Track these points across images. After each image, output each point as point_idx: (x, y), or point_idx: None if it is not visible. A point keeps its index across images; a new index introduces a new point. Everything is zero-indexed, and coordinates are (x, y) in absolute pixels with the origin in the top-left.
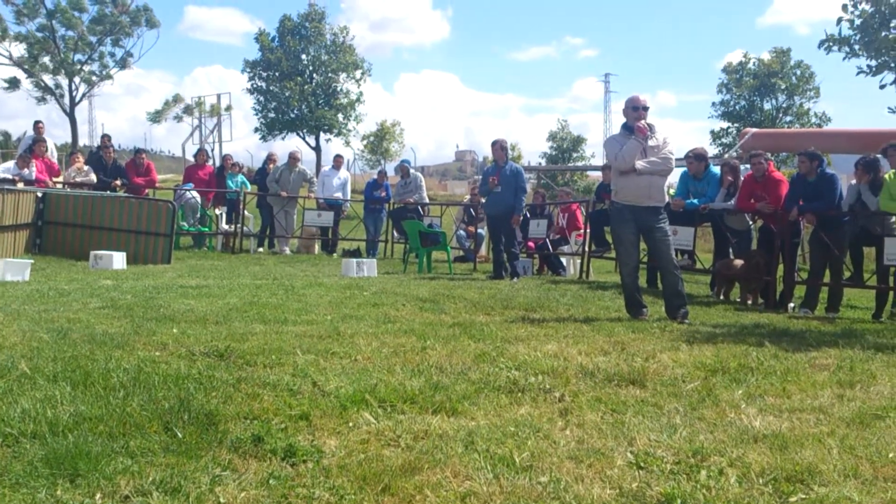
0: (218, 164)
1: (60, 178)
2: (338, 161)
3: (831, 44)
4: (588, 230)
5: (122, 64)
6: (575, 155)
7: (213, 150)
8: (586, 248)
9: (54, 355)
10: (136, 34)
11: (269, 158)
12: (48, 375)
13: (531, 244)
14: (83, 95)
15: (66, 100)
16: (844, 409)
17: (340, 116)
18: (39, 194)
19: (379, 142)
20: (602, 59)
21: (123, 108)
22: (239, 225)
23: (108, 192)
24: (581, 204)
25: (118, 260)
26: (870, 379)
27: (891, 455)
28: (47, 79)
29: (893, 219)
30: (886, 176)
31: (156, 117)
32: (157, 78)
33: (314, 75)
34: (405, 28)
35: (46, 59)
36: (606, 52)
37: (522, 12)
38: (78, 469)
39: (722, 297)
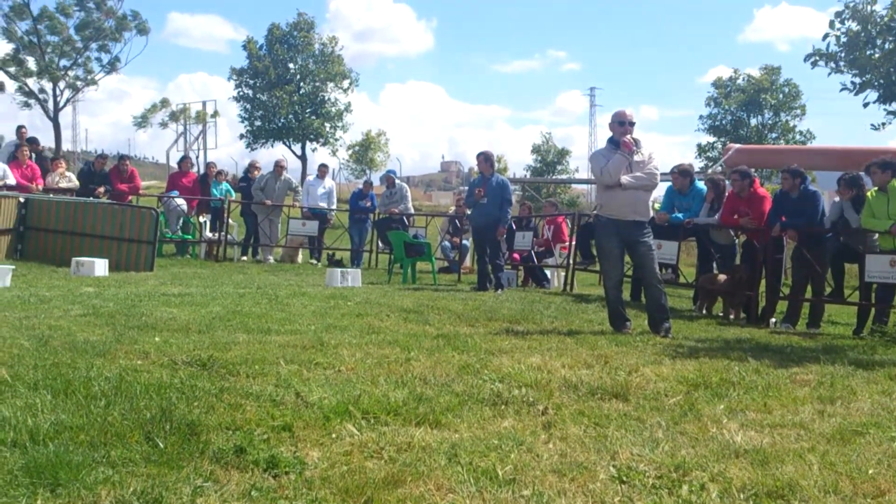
0: (202, 171)
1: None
2: (322, 170)
3: (818, 58)
4: (574, 243)
5: (110, 68)
6: (559, 168)
7: (197, 158)
8: (571, 261)
9: (35, 363)
10: (124, 39)
11: (252, 166)
12: (29, 383)
13: (516, 256)
14: (67, 101)
15: (50, 105)
16: (825, 424)
17: (327, 126)
18: (22, 199)
19: (364, 151)
20: (584, 72)
21: (106, 114)
22: (223, 233)
23: (91, 198)
24: (566, 217)
25: (100, 267)
26: (850, 395)
27: (870, 471)
28: (31, 83)
29: (875, 236)
30: (869, 193)
31: (142, 122)
32: (140, 84)
33: (301, 84)
34: (389, 38)
35: (31, 64)
36: (588, 66)
37: (505, 25)
38: (58, 478)
39: (705, 312)
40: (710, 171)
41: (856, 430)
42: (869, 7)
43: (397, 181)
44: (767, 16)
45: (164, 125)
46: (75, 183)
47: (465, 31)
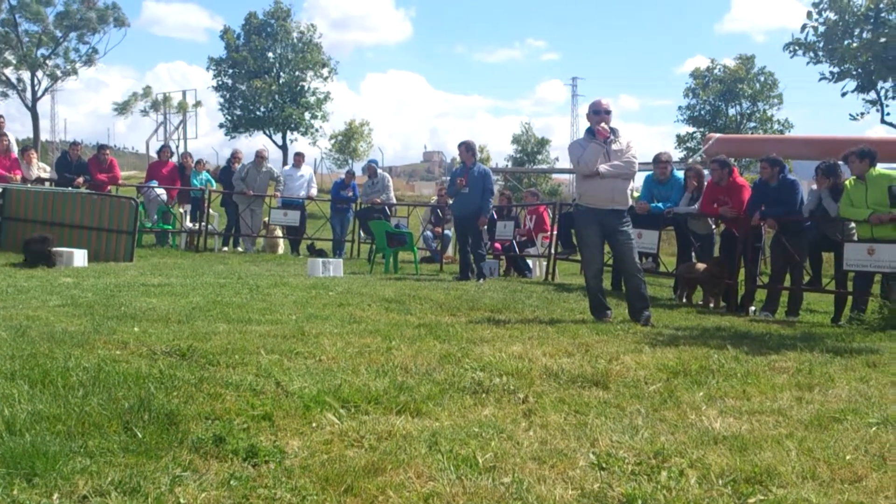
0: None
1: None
2: (297, 159)
3: (796, 47)
4: (556, 232)
5: (88, 60)
6: (539, 157)
7: (177, 147)
8: (552, 251)
9: (12, 353)
10: (102, 30)
11: (234, 156)
12: (6, 373)
13: (498, 246)
14: (45, 90)
15: (28, 94)
16: (803, 411)
17: (307, 115)
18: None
19: (347, 141)
20: (564, 62)
21: (84, 104)
22: (203, 223)
23: (70, 188)
24: (548, 206)
25: (79, 257)
26: (828, 382)
27: (848, 457)
28: (9, 73)
29: (852, 225)
30: (847, 182)
31: (122, 108)
32: (118, 73)
33: (281, 74)
34: (367, 27)
35: (8, 54)
36: (567, 56)
37: (484, 14)
38: (35, 468)
39: (685, 300)
40: (690, 160)
41: (833, 416)
42: None
43: (379, 171)
44: (744, 6)
45: (145, 113)
46: (55, 174)
47: (443, 19)
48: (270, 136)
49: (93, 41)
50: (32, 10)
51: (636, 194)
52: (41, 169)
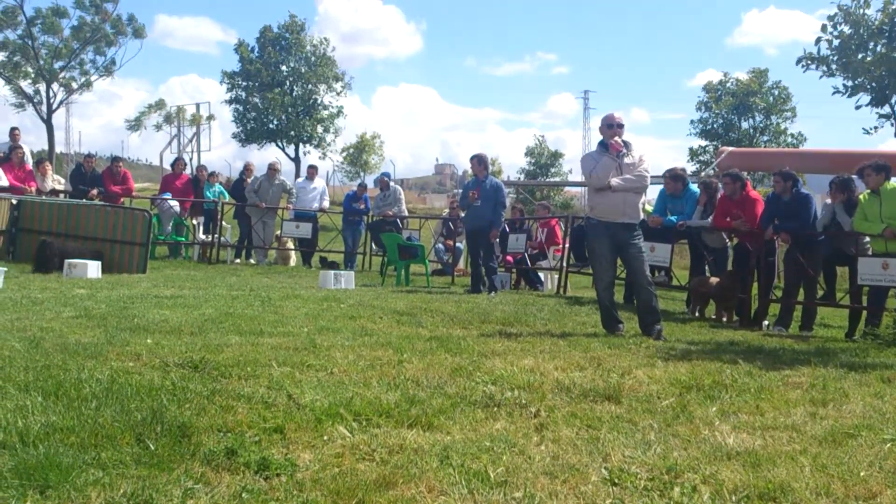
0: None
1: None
2: (310, 172)
3: (809, 61)
4: (567, 245)
5: (107, 71)
6: (552, 170)
7: (191, 160)
8: (564, 264)
9: (26, 364)
10: (118, 42)
11: (247, 169)
12: (20, 385)
13: (509, 258)
14: (60, 102)
15: (44, 107)
16: (817, 427)
17: (320, 128)
18: (14, 201)
19: (359, 154)
20: (574, 75)
21: (97, 116)
22: (216, 235)
23: (84, 200)
24: (560, 219)
25: (93, 269)
26: (842, 397)
27: (862, 473)
28: (25, 85)
29: (867, 239)
30: (861, 196)
31: (135, 125)
32: (131, 86)
33: (294, 87)
34: (378, 40)
35: (27, 66)
36: (578, 69)
37: (494, 27)
38: (48, 480)
39: (697, 315)
40: (702, 174)
41: (847, 432)
42: (861, 10)
43: (391, 183)
44: (755, 19)
45: (158, 128)
46: (69, 185)
47: (454, 33)
48: (283, 149)
49: (109, 53)
50: (48, 23)
51: (648, 207)
52: (56, 181)
